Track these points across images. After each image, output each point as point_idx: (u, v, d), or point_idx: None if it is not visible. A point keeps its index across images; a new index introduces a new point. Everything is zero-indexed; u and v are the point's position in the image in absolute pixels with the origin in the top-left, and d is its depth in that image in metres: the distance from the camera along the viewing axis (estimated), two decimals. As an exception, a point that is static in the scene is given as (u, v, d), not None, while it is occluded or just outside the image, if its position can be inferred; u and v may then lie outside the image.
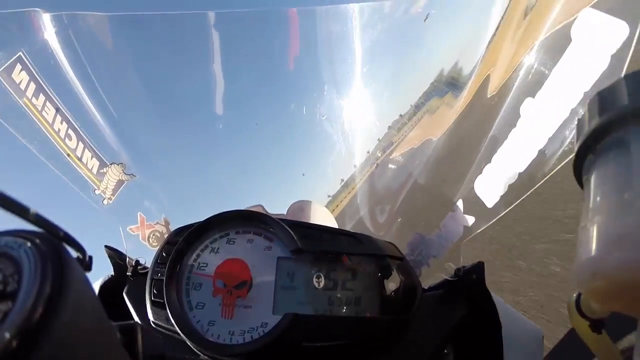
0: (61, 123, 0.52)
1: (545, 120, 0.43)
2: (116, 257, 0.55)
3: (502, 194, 0.45)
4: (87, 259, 0.20)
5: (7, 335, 0.14)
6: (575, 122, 0.26)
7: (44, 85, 0.51)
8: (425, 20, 0.55)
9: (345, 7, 0.57)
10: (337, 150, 0.68)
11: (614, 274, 0.18)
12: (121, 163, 0.57)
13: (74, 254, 0.19)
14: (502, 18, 0.54)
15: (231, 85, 0.60)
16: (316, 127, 0.66)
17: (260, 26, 0.59)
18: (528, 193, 0.43)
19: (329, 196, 0.70)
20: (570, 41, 0.42)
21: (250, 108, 0.67)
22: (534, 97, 0.45)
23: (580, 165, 0.24)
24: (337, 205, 0.71)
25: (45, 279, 0.15)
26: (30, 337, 0.14)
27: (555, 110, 0.43)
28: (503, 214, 0.46)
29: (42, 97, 0.51)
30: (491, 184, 0.47)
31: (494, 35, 0.55)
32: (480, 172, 0.48)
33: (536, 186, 0.43)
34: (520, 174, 0.44)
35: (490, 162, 0.47)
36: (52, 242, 0.17)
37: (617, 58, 0.38)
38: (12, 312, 0.15)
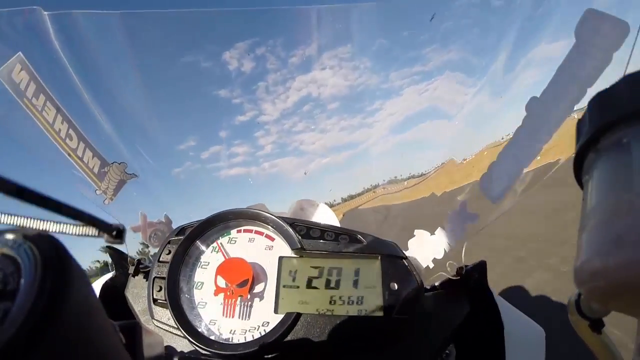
0: (62, 123, 0.52)
1: (549, 117, 0.43)
2: (118, 256, 0.55)
3: (506, 191, 0.45)
4: (118, 231, 0.19)
5: (7, 334, 0.14)
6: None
7: (44, 85, 0.51)
8: (431, 20, 0.55)
9: (355, 7, 0.57)
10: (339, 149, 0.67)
11: (613, 274, 0.17)
12: (122, 162, 0.57)
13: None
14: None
15: (234, 85, 0.60)
16: (317, 125, 0.66)
17: (268, 25, 0.59)
18: (532, 189, 0.43)
19: (328, 203, 0.70)
20: (574, 40, 0.41)
21: (252, 107, 0.67)
22: (538, 95, 0.44)
23: (581, 165, 0.24)
24: (340, 205, 0.70)
25: (45, 278, 0.15)
26: (29, 336, 0.14)
27: (559, 108, 0.42)
28: (506, 210, 0.45)
29: (42, 97, 0.51)
30: (496, 181, 0.46)
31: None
32: (485, 169, 0.48)
33: (540, 182, 0.43)
34: (524, 170, 0.44)
35: (494, 159, 0.47)
36: (52, 241, 0.17)
37: (620, 57, 0.37)
38: (11, 312, 0.14)
